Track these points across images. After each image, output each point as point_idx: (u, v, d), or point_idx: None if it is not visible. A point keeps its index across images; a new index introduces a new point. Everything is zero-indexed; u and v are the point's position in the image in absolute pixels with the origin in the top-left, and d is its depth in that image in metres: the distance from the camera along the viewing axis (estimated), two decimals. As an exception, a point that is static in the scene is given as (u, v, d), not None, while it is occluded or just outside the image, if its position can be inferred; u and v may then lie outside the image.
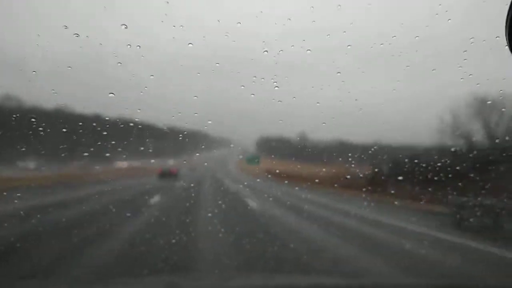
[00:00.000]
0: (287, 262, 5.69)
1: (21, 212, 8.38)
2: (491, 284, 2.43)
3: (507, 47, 1.78)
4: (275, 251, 6.33)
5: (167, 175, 33.00)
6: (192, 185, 24.94)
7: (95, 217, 9.36)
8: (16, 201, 9.81)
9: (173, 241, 6.69)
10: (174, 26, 6.53)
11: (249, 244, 6.67)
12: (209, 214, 10.23)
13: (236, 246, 6.76)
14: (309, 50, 7.20)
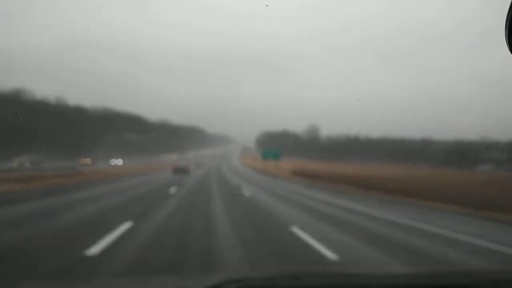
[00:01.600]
0: None
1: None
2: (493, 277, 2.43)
3: (507, 48, 1.74)
4: None
5: (179, 171, 37.17)
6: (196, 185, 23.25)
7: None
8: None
9: None
10: (183, 32, 6.48)
11: None
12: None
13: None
14: (314, 48, 7.13)
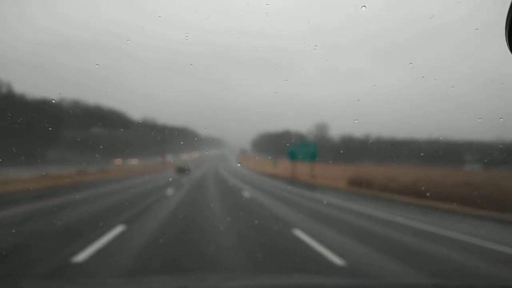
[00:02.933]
0: None
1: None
2: (495, 284, 2.38)
3: (507, 48, 1.74)
4: None
5: (181, 170, 40.32)
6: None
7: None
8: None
9: None
10: (186, 35, 6.53)
11: None
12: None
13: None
14: (315, 46, 7.14)
